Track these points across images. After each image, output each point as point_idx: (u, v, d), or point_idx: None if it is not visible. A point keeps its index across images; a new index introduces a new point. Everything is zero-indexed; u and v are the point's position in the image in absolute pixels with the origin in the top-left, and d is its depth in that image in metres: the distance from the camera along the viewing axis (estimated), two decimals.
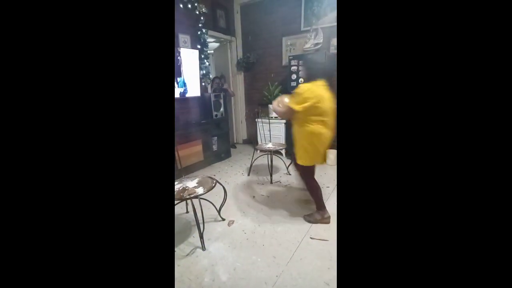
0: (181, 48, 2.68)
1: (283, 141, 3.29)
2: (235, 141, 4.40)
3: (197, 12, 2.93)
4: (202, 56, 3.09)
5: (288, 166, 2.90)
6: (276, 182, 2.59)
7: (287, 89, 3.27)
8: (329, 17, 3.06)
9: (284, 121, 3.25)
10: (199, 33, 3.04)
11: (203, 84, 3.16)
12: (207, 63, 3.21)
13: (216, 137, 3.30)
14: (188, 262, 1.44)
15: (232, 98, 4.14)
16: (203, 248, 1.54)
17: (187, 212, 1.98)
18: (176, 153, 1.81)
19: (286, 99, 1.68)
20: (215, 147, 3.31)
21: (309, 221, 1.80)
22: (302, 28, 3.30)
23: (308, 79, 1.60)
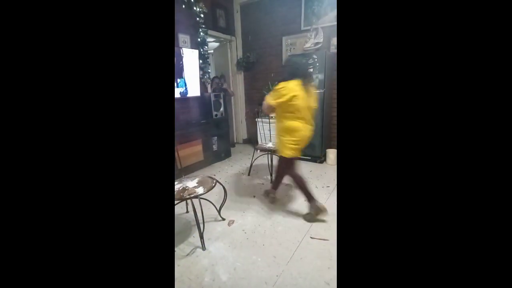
0: (183, 49, 2.68)
1: None
2: (235, 141, 4.39)
3: (197, 12, 2.92)
4: (205, 56, 3.08)
5: None
6: None
7: None
8: (329, 17, 3.05)
9: None
10: (200, 32, 3.03)
11: (203, 82, 3.16)
12: (206, 63, 3.20)
13: (216, 137, 3.30)
14: (188, 262, 1.44)
15: (232, 98, 4.14)
16: (203, 248, 1.54)
17: (187, 212, 1.98)
18: (176, 153, 1.81)
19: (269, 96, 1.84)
20: (215, 147, 3.31)
21: (310, 220, 1.80)
22: (302, 28, 3.29)
23: (287, 79, 1.73)
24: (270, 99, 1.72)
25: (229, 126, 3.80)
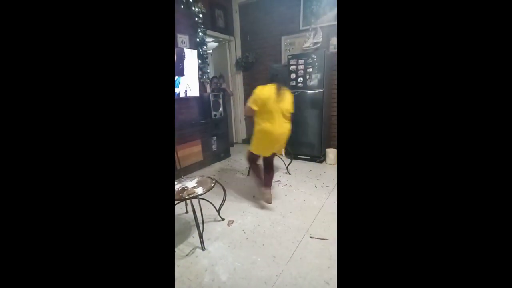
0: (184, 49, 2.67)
1: None
2: (234, 141, 4.39)
3: (196, 12, 2.92)
4: (203, 56, 3.08)
5: (288, 165, 2.90)
6: (276, 181, 2.59)
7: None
8: (328, 16, 3.06)
9: None
10: (199, 32, 3.03)
11: (202, 82, 3.16)
12: (205, 63, 3.20)
13: (215, 137, 3.30)
14: (188, 262, 1.44)
15: (231, 97, 4.13)
16: (203, 248, 1.54)
17: (187, 212, 1.98)
18: (175, 153, 1.80)
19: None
20: (214, 147, 3.31)
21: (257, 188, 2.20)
22: (301, 27, 3.29)
23: (268, 82, 1.93)
24: (249, 102, 1.88)
25: (228, 126, 3.80)
